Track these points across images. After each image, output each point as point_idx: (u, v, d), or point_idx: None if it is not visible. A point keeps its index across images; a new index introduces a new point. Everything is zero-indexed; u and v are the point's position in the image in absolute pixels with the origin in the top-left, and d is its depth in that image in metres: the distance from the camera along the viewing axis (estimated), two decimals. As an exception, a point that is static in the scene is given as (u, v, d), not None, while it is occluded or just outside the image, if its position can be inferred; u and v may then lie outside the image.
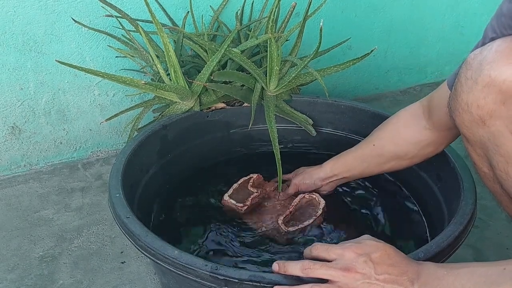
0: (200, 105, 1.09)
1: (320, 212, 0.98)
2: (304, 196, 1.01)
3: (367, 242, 0.65)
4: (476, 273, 0.58)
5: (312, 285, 0.63)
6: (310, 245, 0.69)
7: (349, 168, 0.98)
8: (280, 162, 1.03)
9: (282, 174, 1.04)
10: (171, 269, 0.69)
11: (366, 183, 1.09)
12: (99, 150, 1.37)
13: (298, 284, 0.64)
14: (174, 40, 1.16)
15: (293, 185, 1.05)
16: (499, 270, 0.56)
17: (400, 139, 0.90)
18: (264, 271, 0.67)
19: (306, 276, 0.63)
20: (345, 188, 1.08)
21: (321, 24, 0.90)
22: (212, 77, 1.03)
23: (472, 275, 0.58)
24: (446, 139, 0.86)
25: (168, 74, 1.04)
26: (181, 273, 0.69)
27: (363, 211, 1.03)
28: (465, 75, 0.66)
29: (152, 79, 1.17)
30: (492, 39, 0.67)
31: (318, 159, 1.18)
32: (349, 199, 1.06)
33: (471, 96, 0.65)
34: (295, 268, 0.65)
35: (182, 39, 1.14)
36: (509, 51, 0.62)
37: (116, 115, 1.10)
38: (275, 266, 0.66)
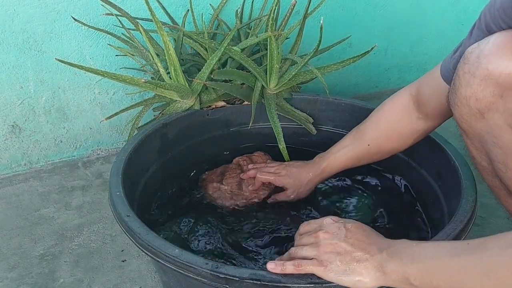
0: (200, 104, 1.09)
1: None
2: None
3: (346, 219, 0.70)
4: (441, 246, 0.61)
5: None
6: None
7: (343, 167, 0.98)
8: (288, 156, 1.04)
9: None
10: (172, 267, 0.70)
11: (367, 179, 1.10)
12: (100, 149, 1.37)
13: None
14: (174, 39, 1.16)
15: (276, 181, 1.02)
16: (463, 245, 0.58)
17: (396, 135, 0.91)
18: (264, 270, 0.67)
19: (299, 273, 0.66)
20: (344, 185, 1.08)
21: (321, 22, 0.90)
22: (212, 76, 1.03)
23: (437, 247, 0.61)
24: (438, 124, 0.88)
25: (168, 73, 1.04)
26: (182, 272, 0.69)
27: (363, 208, 1.03)
28: (463, 69, 0.66)
29: (152, 78, 1.17)
30: (487, 30, 0.67)
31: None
32: (348, 196, 1.06)
33: (469, 90, 0.66)
34: (290, 268, 0.66)
35: (182, 38, 1.14)
36: (506, 44, 0.62)
37: (116, 114, 1.10)
38: (271, 265, 0.66)
